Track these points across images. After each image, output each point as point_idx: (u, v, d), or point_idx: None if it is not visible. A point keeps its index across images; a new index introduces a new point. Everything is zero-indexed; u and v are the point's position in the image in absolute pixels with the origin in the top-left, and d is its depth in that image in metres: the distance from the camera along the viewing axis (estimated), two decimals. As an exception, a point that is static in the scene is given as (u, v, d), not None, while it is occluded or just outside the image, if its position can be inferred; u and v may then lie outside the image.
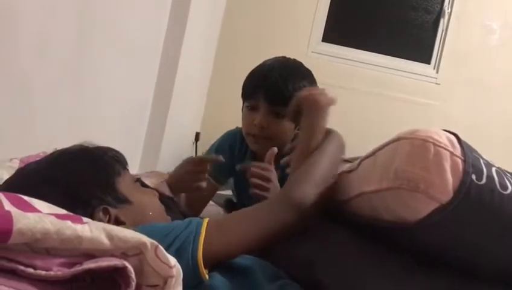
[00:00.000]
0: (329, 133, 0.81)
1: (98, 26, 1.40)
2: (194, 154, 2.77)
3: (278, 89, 1.15)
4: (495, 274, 0.59)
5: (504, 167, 0.61)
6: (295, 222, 0.65)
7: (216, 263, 0.60)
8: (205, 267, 0.59)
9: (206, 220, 0.63)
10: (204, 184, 1.04)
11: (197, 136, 3.01)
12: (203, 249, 0.59)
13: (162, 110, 2.11)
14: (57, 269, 0.47)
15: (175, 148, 2.51)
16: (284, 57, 1.25)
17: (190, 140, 2.97)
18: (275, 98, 1.15)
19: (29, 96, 1.12)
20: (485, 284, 0.58)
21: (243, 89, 1.24)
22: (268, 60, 1.24)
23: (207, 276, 0.59)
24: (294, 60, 1.25)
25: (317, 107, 0.81)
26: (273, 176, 1.00)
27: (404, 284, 0.57)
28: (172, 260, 0.51)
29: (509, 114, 3.02)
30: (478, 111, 3.04)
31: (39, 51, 1.11)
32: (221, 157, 1.03)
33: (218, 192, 1.43)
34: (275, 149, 0.96)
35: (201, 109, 3.12)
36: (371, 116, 2.90)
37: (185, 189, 1.07)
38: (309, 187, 0.69)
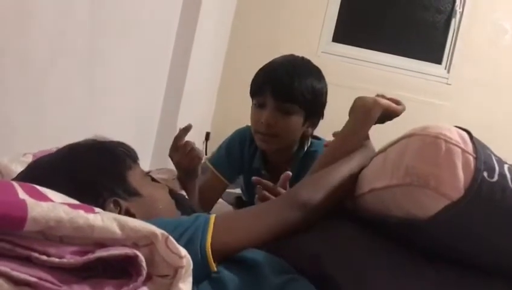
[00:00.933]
0: (365, 142, 0.82)
1: (110, 24, 1.42)
2: (204, 154, 2.77)
3: (285, 85, 1.15)
4: (505, 271, 0.58)
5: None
6: (300, 222, 0.66)
7: (223, 258, 0.61)
8: (213, 261, 0.60)
9: (213, 216, 0.64)
10: (198, 154, 1.06)
11: (208, 136, 3.02)
12: (211, 242, 0.59)
13: (172, 109, 2.12)
14: (69, 257, 0.48)
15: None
16: (292, 55, 1.25)
17: (200, 140, 2.98)
18: (282, 94, 1.15)
19: (42, 93, 1.13)
20: (495, 281, 0.57)
21: (251, 86, 1.24)
22: (277, 58, 1.24)
23: (215, 268, 0.59)
24: (303, 58, 1.25)
25: (366, 110, 0.81)
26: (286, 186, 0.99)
27: (412, 278, 0.56)
28: (183, 251, 0.52)
29: (522, 115, 2.99)
30: (489, 111, 3.00)
31: (52, 48, 1.13)
32: (189, 125, 1.07)
33: (227, 190, 1.43)
34: (290, 173, 0.96)
35: (211, 109, 3.13)
36: (381, 117, 2.89)
37: (190, 171, 1.08)
38: (318, 193, 0.69)
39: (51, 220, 0.47)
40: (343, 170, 0.74)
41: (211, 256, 0.59)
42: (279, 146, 1.21)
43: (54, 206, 0.49)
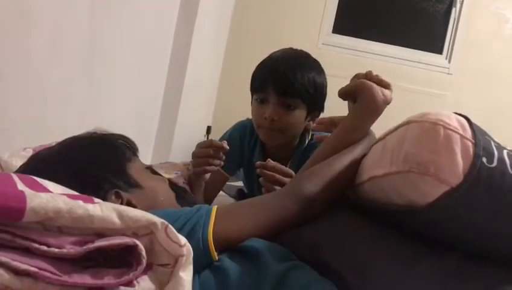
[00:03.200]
0: (367, 133, 0.80)
1: (109, 20, 1.41)
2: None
3: (287, 80, 1.14)
4: (505, 257, 0.58)
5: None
6: (301, 215, 0.67)
7: (224, 247, 0.61)
8: (215, 250, 0.60)
9: (215, 207, 0.64)
10: (212, 168, 1.04)
11: (209, 130, 3.02)
12: (213, 232, 0.59)
13: (173, 104, 2.12)
14: (69, 247, 0.48)
15: (187, 142, 2.52)
16: (291, 48, 1.25)
17: (202, 134, 2.98)
18: (284, 89, 1.15)
19: (42, 89, 1.13)
20: (495, 267, 0.57)
21: (251, 82, 1.24)
22: (276, 52, 1.24)
23: (217, 256, 0.59)
24: (301, 51, 1.24)
25: (377, 106, 0.78)
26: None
27: (412, 266, 0.56)
28: (183, 239, 0.52)
29: (524, 104, 2.98)
30: (490, 101, 2.99)
31: (52, 46, 1.13)
32: (225, 144, 1.03)
33: (229, 183, 1.43)
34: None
35: (212, 103, 3.13)
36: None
37: (197, 171, 1.08)
38: (321, 185, 0.69)
39: (50, 210, 0.48)
40: (346, 161, 0.73)
41: (212, 245, 0.59)
42: (283, 141, 1.21)
43: (52, 197, 0.49)
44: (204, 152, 1.04)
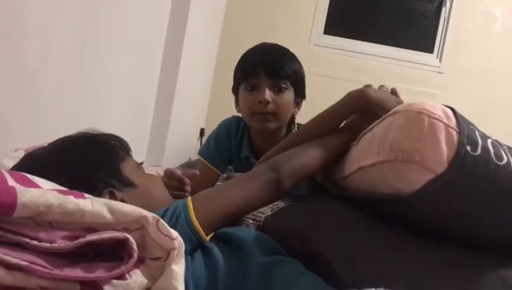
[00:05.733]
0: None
1: (101, 21, 1.42)
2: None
3: (277, 63, 1.18)
4: (490, 244, 0.59)
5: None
6: (273, 185, 0.69)
7: (210, 228, 0.62)
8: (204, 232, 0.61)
9: (189, 197, 0.66)
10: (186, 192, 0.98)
11: (202, 132, 3.02)
12: (195, 211, 0.61)
13: (165, 106, 2.12)
14: (60, 242, 0.48)
15: (180, 145, 2.52)
16: (268, 42, 1.29)
17: (195, 136, 2.98)
18: (276, 72, 1.17)
19: (34, 91, 1.13)
20: (480, 254, 0.58)
21: (239, 71, 1.24)
22: (256, 45, 1.27)
23: (207, 237, 0.61)
24: (278, 44, 1.29)
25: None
26: None
27: (401, 254, 0.57)
28: (174, 233, 0.52)
29: (513, 102, 3.01)
30: (482, 99, 3.02)
31: (43, 47, 1.13)
32: (196, 173, 1.00)
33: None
34: None
35: (205, 105, 3.13)
36: (374, 107, 2.90)
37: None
38: (296, 166, 0.72)
39: (40, 205, 0.48)
40: (324, 148, 0.76)
41: (199, 226, 0.60)
42: (278, 125, 1.22)
43: (43, 192, 0.49)
44: (168, 184, 0.99)
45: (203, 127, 3.04)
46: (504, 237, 0.59)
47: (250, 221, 0.74)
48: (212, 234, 0.64)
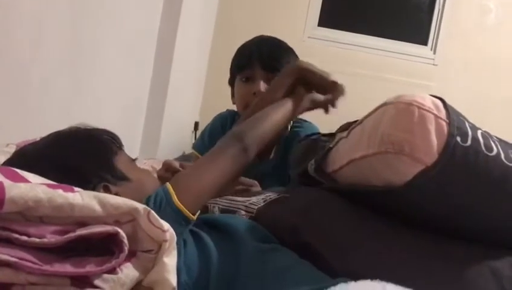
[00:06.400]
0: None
1: (92, 13, 1.40)
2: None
3: (272, 55, 1.18)
4: (480, 235, 0.60)
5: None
6: (241, 154, 0.71)
7: (195, 206, 0.63)
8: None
9: (167, 183, 0.66)
10: None
11: (196, 126, 3.01)
12: (176, 193, 0.62)
13: (159, 100, 2.11)
14: (50, 237, 0.48)
15: (175, 138, 2.52)
16: (265, 35, 1.29)
17: (189, 130, 2.98)
18: (271, 64, 1.17)
19: (25, 86, 1.12)
20: (470, 245, 0.59)
21: (235, 63, 1.25)
22: (253, 38, 1.27)
23: (193, 216, 0.62)
24: (275, 37, 1.29)
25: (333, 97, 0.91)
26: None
27: (392, 245, 0.58)
28: (166, 225, 0.52)
29: (507, 93, 3.02)
30: (476, 91, 3.03)
31: (35, 41, 1.12)
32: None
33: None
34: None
35: (199, 98, 3.12)
36: (369, 100, 2.88)
37: None
38: (255, 132, 0.76)
39: (29, 200, 0.48)
40: (280, 112, 0.84)
41: (182, 206, 0.61)
42: None
43: (32, 186, 0.49)
44: (165, 177, 0.98)
45: (197, 120, 3.03)
46: (493, 228, 0.59)
47: (243, 212, 0.74)
48: (198, 213, 0.64)
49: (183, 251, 0.58)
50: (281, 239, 0.61)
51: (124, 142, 0.79)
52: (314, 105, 0.91)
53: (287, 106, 0.87)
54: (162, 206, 0.60)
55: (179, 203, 0.61)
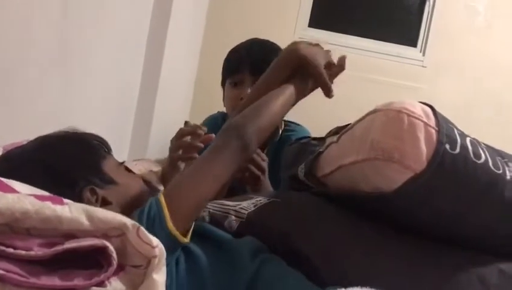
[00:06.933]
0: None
1: (82, 12, 1.39)
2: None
3: (261, 60, 1.16)
4: (467, 241, 0.60)
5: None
6: (241, 152, 0.67)
7: (186, 226, 0.61)
8: (185, 234, 0.60)
9: (160, 193, 0.63)
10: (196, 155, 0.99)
11: (186, 125, 3.00)
12: (170, 216, 0.59)
13: (149, 99, 2.09)
14: (37, 249, 0.47)
15: (164, 137, 2.49)
16: (258, 38, 1.29)
17: (179, 129, 2.96)
18: (260, 69, 1.16)
19: (13, 87, 1.10)
20: (458, 252, 0.59)
21: (225, 66, 1.25)
22: (244, 41, 1.27)
23: (186, 239, 0.60)
24: (268, 40, 1.29)
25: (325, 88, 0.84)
26: (266, 169, 1.00)
27: (382, 251, 0.58)
28: (155, 241, 0.52)
29: (496, 96, 3.05)
30: (465, 93, 3.06)
31: (22, 39, 1.10)
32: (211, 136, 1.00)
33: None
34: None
35: (189, 98, 3.11)
36: (358, 101, 2.90)
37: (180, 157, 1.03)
38: (256, 124, 0.71)
39: (16, 211, 0.47)
40: (278, 103, 0.77)
41: (175, 231, 0.59)
42: None
43: (19, 197, 0.48)
44: (179, 144, 1.00)
45: (187, 119, 3.02)
46: (480, 235, 0.60)
47: (233, 217, 0.74)
48: (191, 230, 0.63)
49: (176, 271, 0.58)
50: (271, 245, 0.61)
51: (113, 141, 0.78)
52: (315, 85, 0.86)
53: (288, 91, 0.80)
54: (156, 226, 0.58)
55: (173, 227, 0.58)
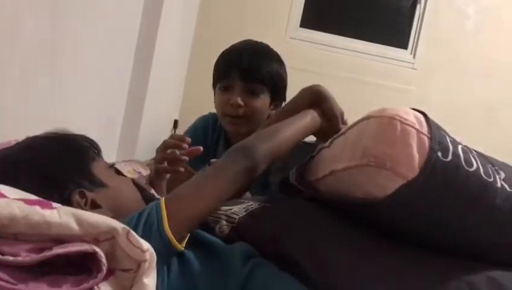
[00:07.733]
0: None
1: (71, 11, 1.37)
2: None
3: (252, 66, 1.16)
4: (458, 249, 0.61)
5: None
6: (247, 174, 0.67)
7: (183, 236, 0.61)
8: (180, 241, 0.60)
9: (162, 198, 0.63)
10: (182, 169, 1.00)
11: (176, 124, 2.99)
12: (169, 221, 0.59)
13: (138, 97, 2.08)
14: (25, 255, 0.46)
15: (153, 136, 2.48)
16: (251, 40, 1.27)
17: (168, 127, 2.95)
18: (250, 75, 1.16)
19: (1, 86, 1.08)
20: (448, 259, 0.60)
21: (215, 70, 1.24)
22: (237, 43, 1.25)
23: (181, 246, 0.59)
24: (262, 42, 1.27)
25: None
26: None
27: (373, 257, 0.58)
28: (145, 245, 0.51)
29: (486, 99, 3.09)
30: (455, 96, 3.09)
31: (9, 38, 1.08)
32: (200, 149, 0.97)
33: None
34: None
35: (179, 96, 3.09)
36: (349, 102, 2.90)
37: (166, 171, 1.00)
38: (265, 146, 0.71)
39: (4, 217, 0.46)
40: (294, 128, 0.78)
41: (173, 238, 0.58)
42: (249, 128, 1.21)
43: (7, 203, 0.47)
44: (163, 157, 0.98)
45: (176, 118, 3.00)
46: (471, 242, 0.60)
47: (224, 222, 0.73)
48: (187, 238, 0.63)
49: (167, 277, 0.57)
50: (262, 250, 0.61)
51: (102, 141, 0.77)
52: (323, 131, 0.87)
53: (307, 118, 0.82)
54: (153, 230, 0.57)
55: (170, 235, 0.58)
